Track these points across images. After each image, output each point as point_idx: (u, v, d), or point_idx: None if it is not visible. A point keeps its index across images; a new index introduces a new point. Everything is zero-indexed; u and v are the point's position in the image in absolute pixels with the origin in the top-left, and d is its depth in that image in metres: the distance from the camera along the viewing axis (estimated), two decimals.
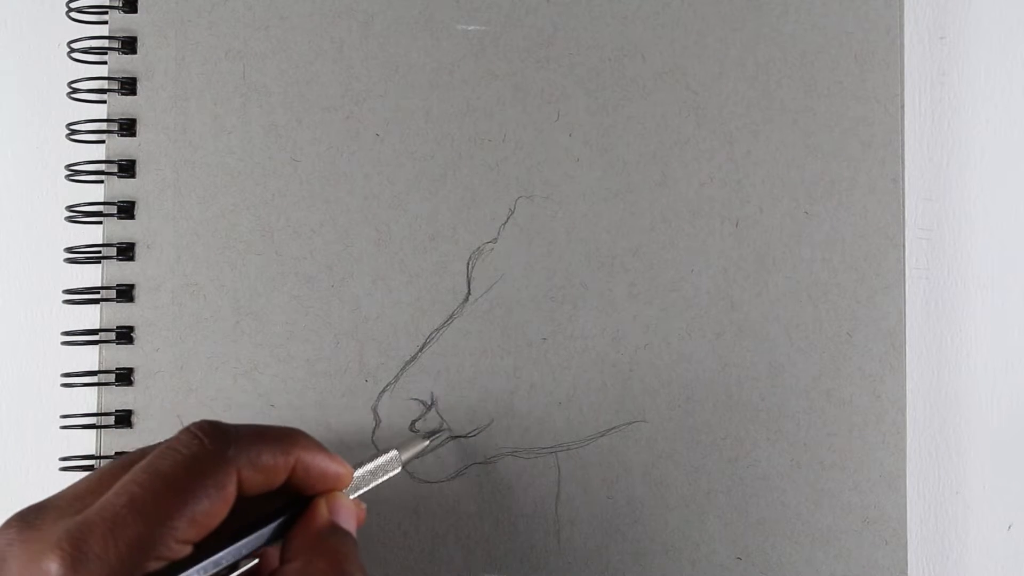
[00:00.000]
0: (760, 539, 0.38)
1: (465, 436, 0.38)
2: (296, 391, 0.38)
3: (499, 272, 0.39)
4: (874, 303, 0.39)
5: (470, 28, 0.39)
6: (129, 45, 0.39)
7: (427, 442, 0.37)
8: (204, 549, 0.26)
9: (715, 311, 0.39)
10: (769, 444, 0.38)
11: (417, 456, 0.36)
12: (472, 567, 0.38)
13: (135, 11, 0.39)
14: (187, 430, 0.27)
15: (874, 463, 0.38)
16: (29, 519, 0.25)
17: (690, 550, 0.38)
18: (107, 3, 0.39)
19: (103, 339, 0.38)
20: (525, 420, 0.38)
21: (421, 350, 0.38)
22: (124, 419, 0.38)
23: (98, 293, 0.38)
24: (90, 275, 0.39)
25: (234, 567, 0.27)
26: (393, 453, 0.34)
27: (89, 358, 0.38)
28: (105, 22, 0.39)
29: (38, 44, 0.42)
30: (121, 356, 0.38)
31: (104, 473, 0.27)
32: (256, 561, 0.27)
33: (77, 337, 0.38)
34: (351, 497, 0.31)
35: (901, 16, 0.39)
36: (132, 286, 0.38)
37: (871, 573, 0.38)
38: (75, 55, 0.39)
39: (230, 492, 0.27)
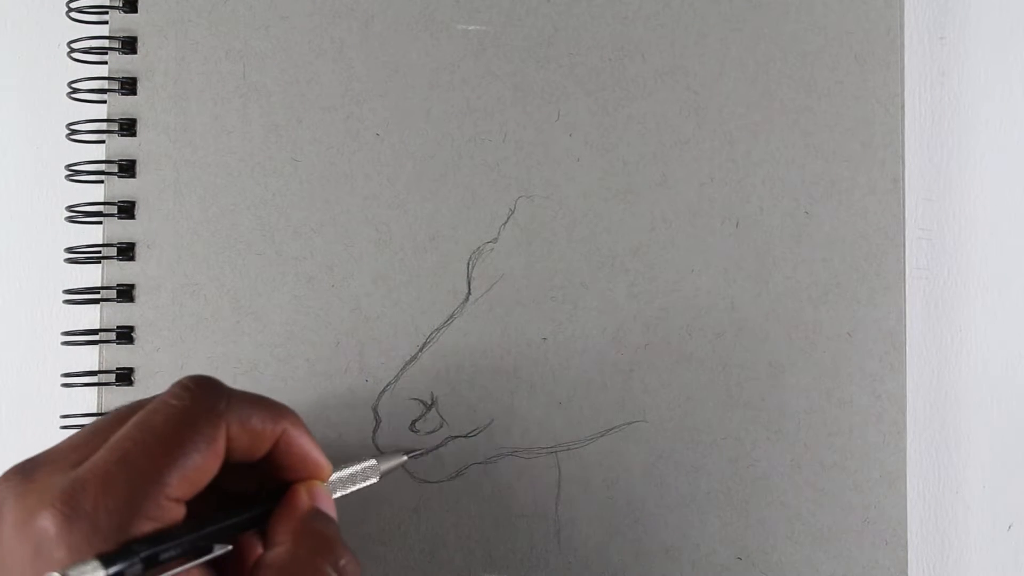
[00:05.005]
0: (760, 539, 0.38)
1: (465, 436, 0.38)
2: (296, 391, 0.38)
3: (499, 272, 0.39)
4: (874, 303, 0.39)
5: (470, 28, 0.39)
6: (129, 45, 0.39)
7: (405, 457, 0.36)
8: (190, 522, 0.26)
9: (715, 311, 0.39)
10: (769, 444, 0.38)
11: (393, 470, 0.36)
12: (472, 567, 0.38)
13: (135, 11, 0.39)
14: (179, 383, 0.27)
15: (874, 463, 0.38)
16: (25, 472, 0.25)
17: (690, 550, 0.38)
18: (107, 3, 0.39)
19: (103, 339, 0.38)
20: (525, 420, 0.38)
21: (421, 350, 0.38)
22: None
23: (98, 293, 0.38)
24: (90, 275, 0.39)
25: (208, 549, 0.26)
26: (372, 462, 0.34)
27: (89, 358, 0.38)
28: (105, 22, 0.39)
29: (38, 44, 0.42)
30: (121, 356, 0.38)
31: (98, 427, 0.27)
32: (230, 548, 0.27)
33: (77, 337, 0.38)
34: None
35: (901, 16, 0.39)
36: (132, 286, 0.38)
37: (871, 573, 0.38)
38: (75, 55, 0.39)
39: (220, 447, 0.26)
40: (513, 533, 0.38)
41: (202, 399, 0.27)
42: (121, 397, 0.38)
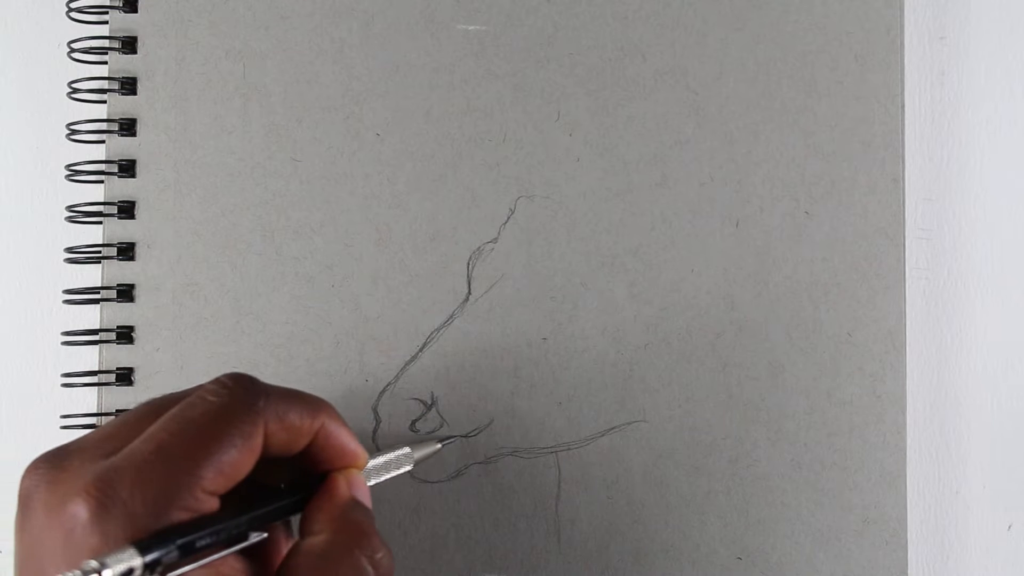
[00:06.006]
0: (760, 539, 0.38)
1: (465, 436, 0.38)
2: None
3: (499, 272, 0.39)
4: (874, 303, 0.39)
5: (470, 28, 0.39)
6: (129, 45, 0.39)
7: (439, 445, 0.37)
8: (224, 511, 0.26)
9: (715, 311, 0.39)
10: (769, 444, 0.38)
11: (427, 458, 0.36)
12: (472, 567, 0.38)
13: (135, 11, 0.39)
14: (218, 380, 0.27)
15: (874, 463, 0.38)
16: (56, 461, 0.25)
17: (690, 550, 0.38)
18: (107, 3, 0.39)
19: (103, 339, 0.38)
20: (525, 420, 0.38)
21: (421, 350, 0.38)
22: None
23: (98, 293, 0.38)
24: (90, 275, 0.39)
25: (242, 537, 0.26)
26: (407, 450, 0.34)
27: (89, 358, 0.38)
28: (105, 22, 0.39)
29: (38, 44, 0.42)
30: (121, 356, 0.38)
31: (130, 417, 0.27)
32: (265, 535, 0.27)
33: (77, 337, 0.38)
34: None
35: (901, 16, 0.39)
36: (132, 286, 0.38)
37: (871, 573, 0.38)
38: (75, 55, 0.39)
39: (257, 444, 0.26)
40: (513, 533, 0.38)
41: (241, 396, 0.27)
42: (121, 397, 0.38)
